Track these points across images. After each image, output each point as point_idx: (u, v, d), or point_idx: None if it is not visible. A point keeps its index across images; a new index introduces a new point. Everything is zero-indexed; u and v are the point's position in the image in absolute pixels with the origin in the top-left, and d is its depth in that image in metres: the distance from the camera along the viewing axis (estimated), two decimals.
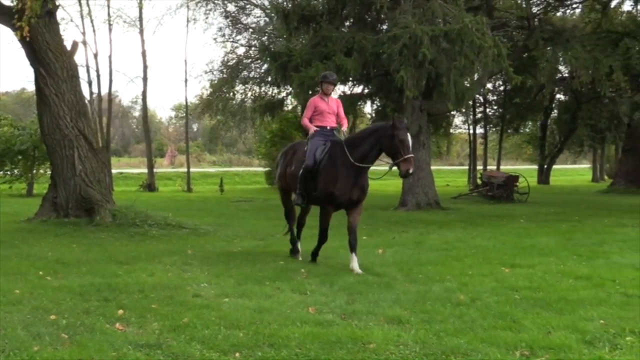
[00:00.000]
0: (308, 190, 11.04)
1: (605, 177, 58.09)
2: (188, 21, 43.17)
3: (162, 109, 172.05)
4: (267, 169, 44.63)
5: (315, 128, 11.14)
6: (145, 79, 40.90)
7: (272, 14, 30.90)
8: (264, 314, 7.57)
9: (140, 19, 40.31)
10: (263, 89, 38.90)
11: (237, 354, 6.12)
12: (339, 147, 10.75)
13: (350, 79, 26.32)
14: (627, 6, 37.75)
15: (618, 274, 10.04)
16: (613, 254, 12.30)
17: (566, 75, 40.18)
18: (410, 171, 10.25)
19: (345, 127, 11.52)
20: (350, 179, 10.61)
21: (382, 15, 23.43)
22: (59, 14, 20.49)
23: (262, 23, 40.61)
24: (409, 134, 10.37)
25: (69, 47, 17.67)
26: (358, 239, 11.10)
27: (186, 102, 47.14)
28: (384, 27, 24.40)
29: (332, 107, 11.33)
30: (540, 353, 6.16)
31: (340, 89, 31.09)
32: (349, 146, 10.63)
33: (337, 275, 10.00)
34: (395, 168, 10.45)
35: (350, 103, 27.67)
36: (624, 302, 8.26)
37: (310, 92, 26.77)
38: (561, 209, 22.61)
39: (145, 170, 42.35)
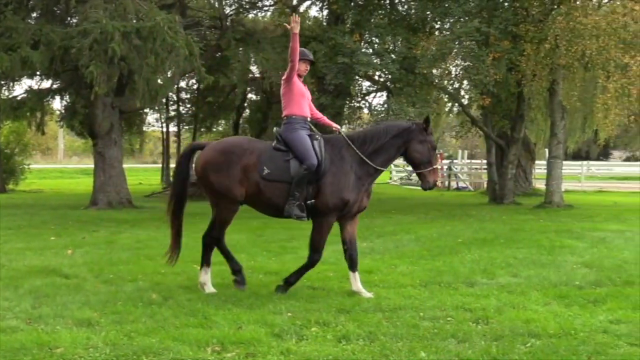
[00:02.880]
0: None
1: None
2: None
3: None
4: None
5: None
6: None
7: None
8: None
9: None
10: None
11: None
12: (344, 146, 9.03)
13: (38, 73, 25.16)
14: (314, 12, 39.60)
15: None
16: (300, 249, 12.76)
17: (257, 75, 41.33)
18: (438, 183, 9.33)
19: (338, 128, 9.56)
20: (363, 184, 9.05)
21: (72, 9, 22.62)
22: None
23: None
24: None
25: None
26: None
27: None
28: (75, 20, 23.59)
29: (309, 94, 9.52)
30: (231, 348, 6.26)
31: (27, 83, 29.62)
32: (364, 147, 8.99)
33: (23, 278, 9.51)
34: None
35: (39, 98, 26.47)
36: (310, 294, 8.64)
37: None
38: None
39: None
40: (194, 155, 9.61)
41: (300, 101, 9.20)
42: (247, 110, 53.04)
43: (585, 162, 43.35)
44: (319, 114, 9.71)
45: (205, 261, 9.22)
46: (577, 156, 53.58)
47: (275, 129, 9.40)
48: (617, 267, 10.85)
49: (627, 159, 67.70)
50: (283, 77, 9.28)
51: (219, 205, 9.15)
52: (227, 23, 29.37)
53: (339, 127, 9.63)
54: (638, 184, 38.91)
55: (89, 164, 42.57)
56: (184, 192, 9.59)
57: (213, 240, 9.21)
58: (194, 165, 9.43)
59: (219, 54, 30.33)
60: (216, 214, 9.24)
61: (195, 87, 46.03)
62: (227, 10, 31.16)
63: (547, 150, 28.35)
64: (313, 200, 8.79)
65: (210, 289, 8.96)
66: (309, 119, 9.27)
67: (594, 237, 14.79)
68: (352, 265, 9.04)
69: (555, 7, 23.13)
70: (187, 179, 9.56)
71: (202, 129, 50.78)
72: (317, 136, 9.07)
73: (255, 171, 8.83)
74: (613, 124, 23.71)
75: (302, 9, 36.42)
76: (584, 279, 9.80)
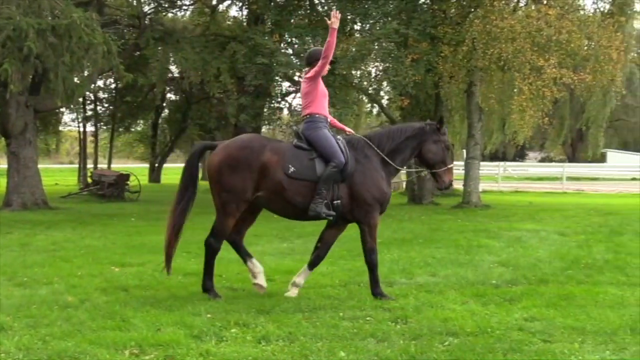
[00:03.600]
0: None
1: None
2: None
3: None
4: None
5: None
6: None
7: None
8: None
9: None
10: None
11: None
12: (365, 146, 8.90)
13: None
14: (233, 11, 39.42)
15: (225, 269, 10.40)
16: (220, 250, 12.70)
17: (177, 75, 41.01)
18: (453, 182, 9.28)
19: (351, 131, 9.45)
20: (389, 182, 9.03)
21: None
22: None
23: None
24: None
25: None
26: None
27: None
28: None
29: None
30: (149, 350, 6.18)
31: None
32: (381, 148, 8.90)
33: None
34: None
35: None
36: (230, 295, 8.59)
37: None
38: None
39: None
40: (204, 155, 9.26)
41: (323, 101, 8.98)
42: (166, 110, 52.60)
43: (502, 163, 44.30)
44: (329, 116, 9.40)
45: (246, 255, 9.07)
46: (494, 157, 54.66)
47: (294, 127, 9.18)
48: (532, 265, 11.09)
49: (542, 160, 69.48)
50: (308, 75, 8.94)
51: (225, 209, 8.67)
52: (146, 22, 29.03)
53: (351, 130, 9.56)
54: (552, 184, 39.92)
55: (2, 164, 41.54)
56: (194, 194, 9.00)
57: (215, 252, 8.85)
58: (206, 165, 8.90)
59: (138, 53, 29.98)
60: (218, 220, 8.81)
61: (113, 86, 45.40)
62: (146, 8, 30.81)
63: (464, 151, 28.81)
64: (339, 201, 8.60)
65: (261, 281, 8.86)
66: (329, 120, 9.08)
67: (510, 236, 15.08)
68: (313, 265, 9.00)
69: (473, 10, 23.54)
70: (197, 179, 9.09)
71: (120, 129, 50.18)
72: (338, 136, 8.93)
73: (278, 169, 8.53)
74: (528, 125, 24.28)
75: (221, 8, 36.28)
76: (500, 277, 9.98)
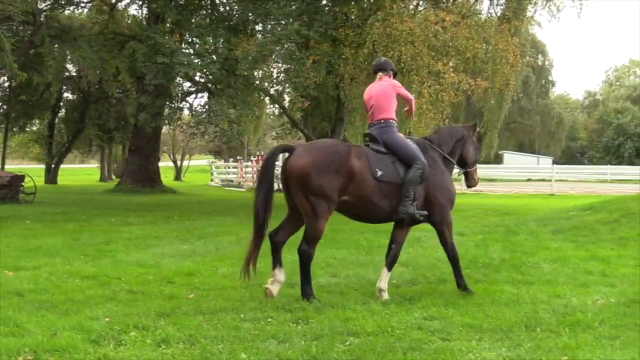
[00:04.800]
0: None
1: (113, 177, 59.32)
2: None
3: None
4: None
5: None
6: None
7: None
8: None
9: None
10: None
11: None
12: (429, 147, 9.24)
13: None
14: (133, 10, 38.81)
15: (124, 272, 10.23)
16: (119, 252, 12.50)
17: (74, 74, 40.16)
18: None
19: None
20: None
21: None
22: None
23: None
24: None
25: None
26: None
27: None
28: None
29: None
30: (45, 356, 6.03)
31: None
32: (441, 149, 9.37)
33: None
34: None
35: None
36: (129, 298, 8.43)
37: None
38: (69, 209, 22.42)
39: None
40: (277, 156, 9.01)
41: (395, 108, 9.29)
42: (63, 110, 51.51)
43: None
44: None
45: (278, 262, 8.82)
46: None
47: (367, 131, 9.31)
48: (432, 265, 11.28)
49: None
50: (397, 83, 9.68)
51: (315, 211, 8.40)
52: (41, 19, 28.31)
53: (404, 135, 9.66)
54: None
55: None
56: (272, 194, 8.73)
57: (309, 258, 8.53)
58: (288, 167, 8.52)
59: (33, 50, 29.22)
60: (310, 225, 8.51)
61: (6, 84, 44.12)
62: (41, 5, 30.05)
63: None
64: (416, 202, 8.85)
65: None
66: None
67: (410, 237, 15.06)
68: (391, 265, 9.10)
69: (373, 13, 23.79)
70: (273, 178, 8.85)
71: (15, 129, 48.86)
72: (408, 139, 9.19)
73: (367, 173, 8.53)
74: (427, 127, 24.65)
75: (120, 6, 35.70)
76: (400, 277, 10.11)
